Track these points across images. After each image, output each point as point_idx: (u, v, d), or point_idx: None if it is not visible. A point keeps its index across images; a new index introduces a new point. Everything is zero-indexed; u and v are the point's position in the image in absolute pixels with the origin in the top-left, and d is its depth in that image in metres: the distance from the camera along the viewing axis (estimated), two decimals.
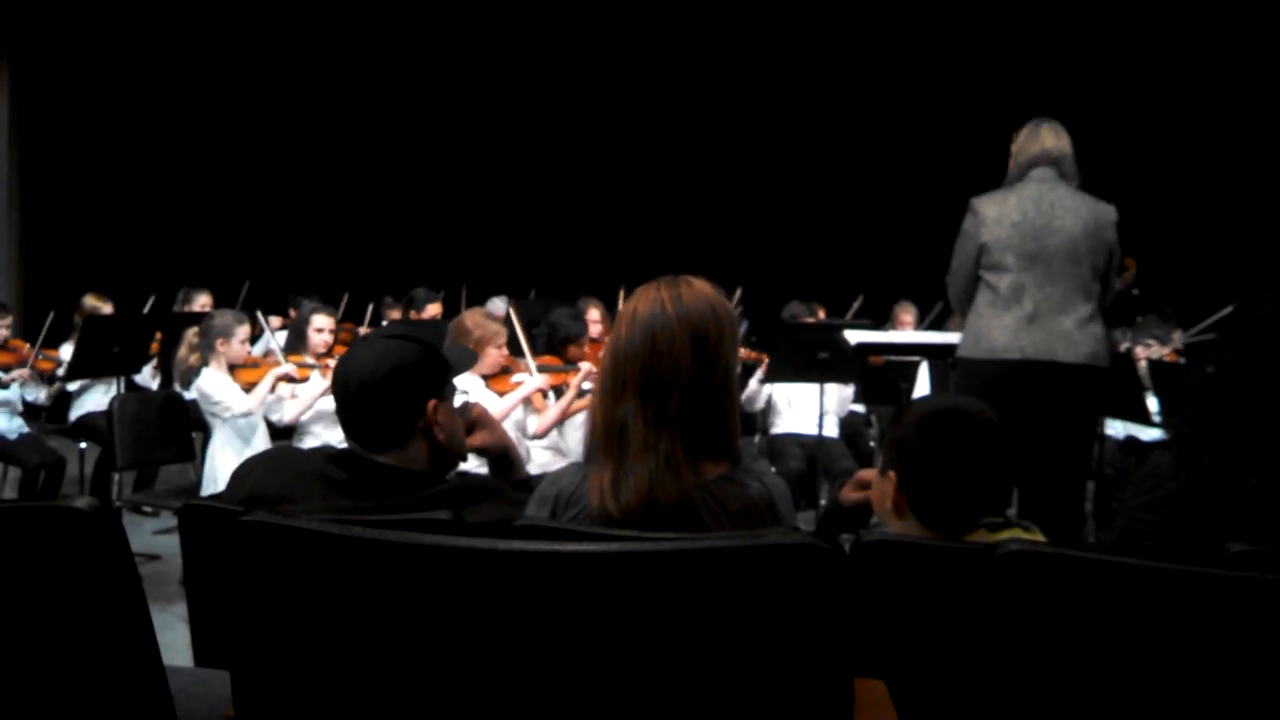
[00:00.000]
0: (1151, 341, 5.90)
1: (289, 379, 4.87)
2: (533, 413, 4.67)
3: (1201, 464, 1.71)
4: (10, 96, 9.68)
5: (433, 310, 6.95)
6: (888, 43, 9.71)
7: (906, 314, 7.25)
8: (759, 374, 6.05)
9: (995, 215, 4.02)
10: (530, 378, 4.61)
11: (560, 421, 4.68)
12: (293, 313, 7.52)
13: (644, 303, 1.84)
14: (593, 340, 5.40)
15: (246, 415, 4.68)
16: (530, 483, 2.24)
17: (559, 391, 4.74)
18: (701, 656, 1.14)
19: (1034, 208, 3.97)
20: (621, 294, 5.63)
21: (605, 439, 1.81)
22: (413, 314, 6.97)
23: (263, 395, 4.74)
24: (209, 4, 9.72)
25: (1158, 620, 1.19)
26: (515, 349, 4.83)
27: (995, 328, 3.98)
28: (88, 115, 9.89)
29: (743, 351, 6.47)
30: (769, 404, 6.27)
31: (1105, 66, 9.21)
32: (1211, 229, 8.88)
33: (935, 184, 4.23)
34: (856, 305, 7.68)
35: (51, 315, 6.05)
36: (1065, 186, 4.02)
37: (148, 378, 6.47)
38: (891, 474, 2.06)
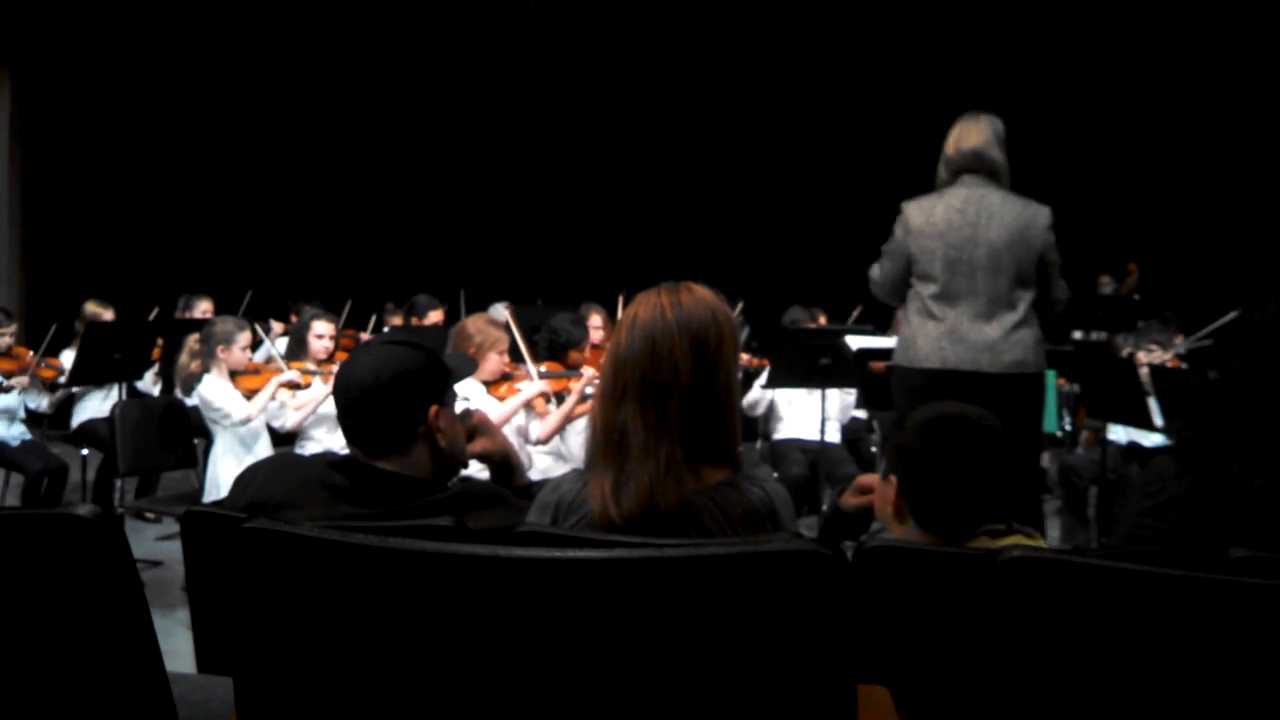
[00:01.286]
0: (1154, 347, 5.90)
1: (292, 385, 4.87)
2: (535, 418, 4.67)
3: (1204, 469, 1.70)
4: (12, 102, 9.69)
5: (435, 317, 6.96)
6: (889, 50, 9.72)
7: None
8: (761, 379, 6.05)
9: (921, 224, 3.99)
10: (530, 382, 4.61)
11: (562, 427, 4.68)
12: (294, 319, 7.53)
13: (644, 308, 1.85)
14: (594, 346, 5.40)
15: (246, 422, 4.68)
16: (531, 489, 2.24)
17: (561, 397, 4.74)
18: (704, 663, 1.14)
19: (960, 217, 3.92)
20: (621, 300, 5.63)
21: (605, 444, 1.81)
22: (415, 320, 6.97)
23: (264, 402, 4.74)
24: (211, 10, 9.74)
25: (1161, 626, 1.19)
26: (516, 355, 4.83)
27: (920, 336, 3.97)
28: (89, 121, 9.90)
29: (744, 357, 6.48)
30: (771, 410, 6.27)
31: (1109, 72, 9.22)
32: (1214, 234, 8.88)
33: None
34: (856, 314, 7.68)
35: (54, 327, 6.04)
36: (996, 191, 3.96)
37: (149, 384, 6.47)
38: (893, 479, 2.07)
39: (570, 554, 1.14)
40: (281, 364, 5.00)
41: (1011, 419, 3.86)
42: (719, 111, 10.20)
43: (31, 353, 5.93)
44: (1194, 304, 6.80)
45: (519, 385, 4.66)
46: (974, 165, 3.98)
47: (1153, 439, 5.59)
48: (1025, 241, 3.92)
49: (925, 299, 3.98)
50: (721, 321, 1.84)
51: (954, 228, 3.92)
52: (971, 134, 4.01)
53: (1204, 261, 8.71)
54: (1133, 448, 5.71)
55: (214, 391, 4.69)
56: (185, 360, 5.03)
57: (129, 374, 5.66)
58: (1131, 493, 3.32)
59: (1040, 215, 3.97)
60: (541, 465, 4.64)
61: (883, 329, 6.99)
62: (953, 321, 3.91)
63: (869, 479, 2.27)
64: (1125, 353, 6.01)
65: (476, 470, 2.88)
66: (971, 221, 3.91)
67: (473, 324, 4.65)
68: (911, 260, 4.03)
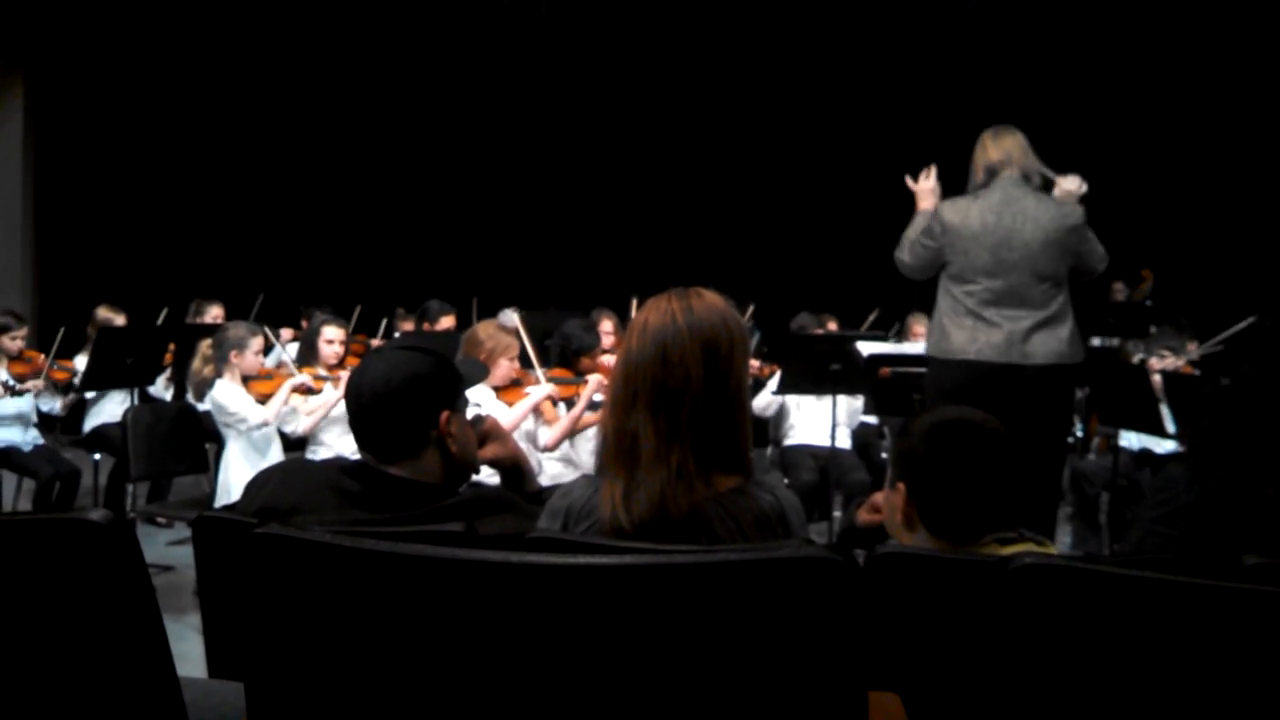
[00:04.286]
0: (1166, 353, 5.88)
1: (306, 390, 4.88)
2: (544, 424, 4.68)
3: (1216, 476, 1.70)
4: (24, 107, 9.74)
5: (446, 322, 6.95)
6: (901, 57, 9.71)
7: (920, 325, 7.24)
8: (771, 385, 6.03)
9: (957, 224, 4.06)
10: (538, 386, 4.61)
11: (571, 433, 4.68)
12: (305, 324, 7.53)
13: (655, 314, 1.84)
14: (605, 351, 5.40)
15: (262, 427, 4.69)
16: (542, 495, 2.24)
17: (570, 403, 4.73)
18: (715, 669, 1.14)
19: (995, 219, 3.99)
20: (634, 304, 5.63)
21: (617, 450, 1.81)
22: (426, 325, 6.97)
23: (278, 407, 4.75)
24: (222, 17, 9.77)
25: (1173, 633, 1.19)
26: (527, 361, 4.83)
27: (955, 331, 4.04)
28: (101, 126, 9.94)
29: (754, 363, 6.47)
30: (781, 415, 6.26)
31: (1121, 78, 9.20)
32: (1228, 241, 8.85)
33: (948, 194, 4.24)
34: (872, 318, 7.68)
35: (63, 330, 6.05)
36: (1029, 193, 4.04)
37: (161, 389, 6.49)
38: (901, 485, 2.07)
39: (581, 560, 1.14)
40: (293, 369, 5.01)
41: (1045, 413, 3.95)
42: (729, 118, 10.19)
43: (43, 356, 5.94)
44: (1207, 310, 6.78)
45: (527, 389, 4.66)
46: (1010, 166, 4.06)
47: (1165, 446, 5.58)
48: (1060, 242, 4.00)
49: (959, 297, 4.03)
50: (732, 327, 1.84)
51: (989, 229, 3.99)
52: (1005, 139, 4.11)
53: (1218, 268, 8.68)
54: (1145, 455, 5.69)
55: (228, 397, 4.70)
56: (198, 365, 5.05)
57: (141, 379, 5.68)
58: (1143, 500, 3.32)
59: (1072, 215, 4.04)
60: (552, 471, 4.64)
61: (895, 337, 6.98)
62: (989, 318, 3.98)
63: (883, 497, 2.27)
64: (1137, 359, 5.99)
65: (487, 476, 2.89)
66: (1008, 224, 3.98)
67: (483, 330, 4.65)
68: (946, 259, 4.07)
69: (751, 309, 7.16)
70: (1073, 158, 4.24)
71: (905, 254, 4.27)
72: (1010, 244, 3.95)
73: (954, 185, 4.29)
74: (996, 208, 4.00)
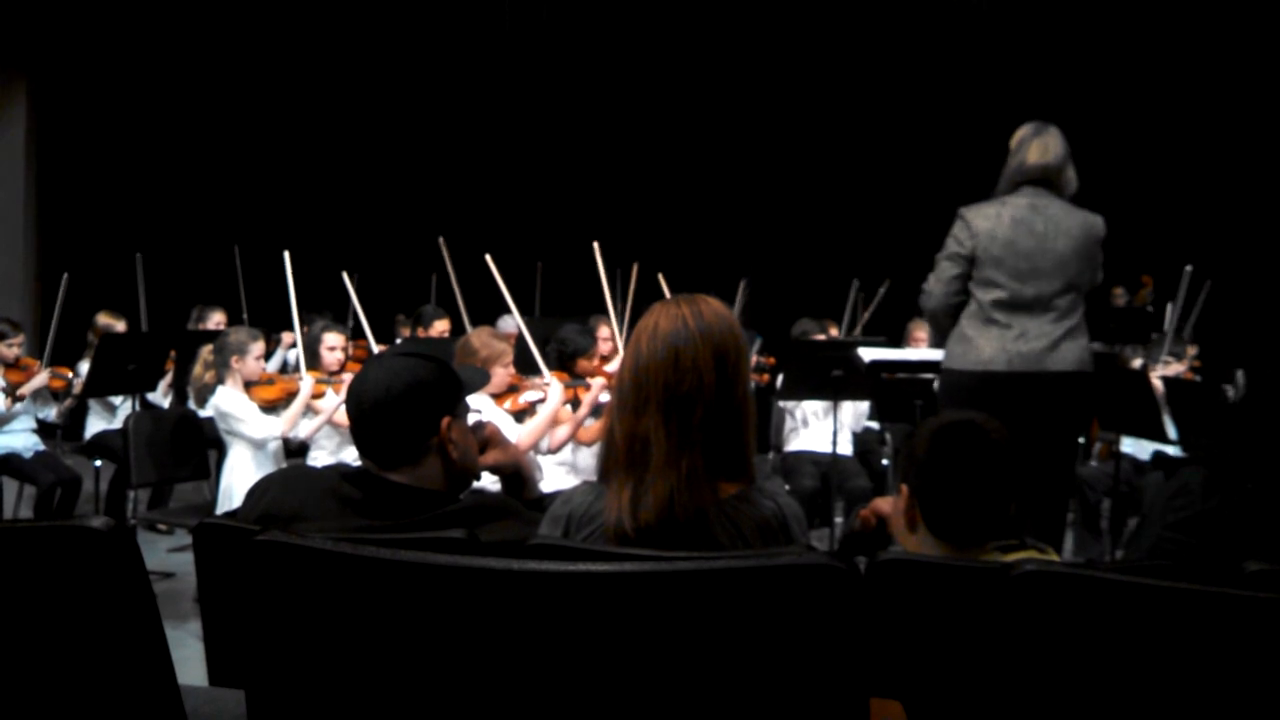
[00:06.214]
0: (1169, 359, 5.88)
1: (315, 395, 4.88)
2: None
3: (1243, 487, 1.70)
4: (28, 113, 9.75)
5: (440, 327, 6.97)
6: (908, 59, 9.72)
7: (920, 331, 7.24)
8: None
9: (987, 230, 4.02)
10: (551, 387, 4.57)
11: (573, 436, 4.66)
12: (304, 330, 7.53)
13: (665, 319, 1.84)
14: (603, 357, 5.40)
15: (261, 444, 4.66)
16: (544, 501, 2.24)
17: (574, 404, 4.72)
18: (716, 677, 1.14)
19: (1027, 230, 3.97)
20: (623, 308, 5.63)
21: (627, 455, 1.80)
22: (421, 331, 6.98)
23: (294, 417, 4.73)
24: (225, 22, 9.79)
25: (1176, 641, 1.18)
26: (529, 366, 4.82)
27: (982, 339, 4.01)
28: (105, 132, 9.95)
29: (753, 358, 6.47)
30: (782, 422, 6.26)
31: (1119, 82, 9.20)
32: (1229, 246, 8.85)
33: (953, 199, 4.23)
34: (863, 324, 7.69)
35: (53, 337, 6.04)
36: (1058, 202, 4.02)
37: (160, 395, 6.48)
38: (904, 486, 2.08)
39: (582, 567, 1.14)
40: (302, 371, 5.00)
41: (1064, 419, 3.95)
42: (731, 121, 10.19)
43: (39, 363, 5.94)
44: (1208, 316, 6.77)
45: (527, 396, 4.64)
46: (1040, 174, 4.02)
47: (1177, 450, 5.56)
48: (1087, 254, 4.01)
49: (986, 304, 4.01)
50: (738, 334, 1.86)
51: (1020, 238, 3.98)
52: (1042, 144, 4.05)
53: (1219, 273, 8.67)
54: (1159, 458, 5.67)
55: (232, 404, 4.69)
56: (199, 371, 5.05)
57: (143, 385, 5.68)
58: (1153, 505, 3.31)
59: (1099, 225, 4.05)
60: (553, 478, 4.64)
61: (895, 342, 6.98)
62: (1018, 326, 3.97)
63: (885, 501, 2.28)
64: (1137, 364, 5.99)
65: (489, 482, 2.88)
66: (1039, 234, 3.97)
67: (476, 338, 4.62)
68: (974, 264, 4.06)
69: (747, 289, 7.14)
70: (1074, 161, 4.22)
71: (933, 280, 4.20)
72: (1044, 251, 3.95)
73: (966, 184, 4.27)
74: (1026, 218, 3.98)
